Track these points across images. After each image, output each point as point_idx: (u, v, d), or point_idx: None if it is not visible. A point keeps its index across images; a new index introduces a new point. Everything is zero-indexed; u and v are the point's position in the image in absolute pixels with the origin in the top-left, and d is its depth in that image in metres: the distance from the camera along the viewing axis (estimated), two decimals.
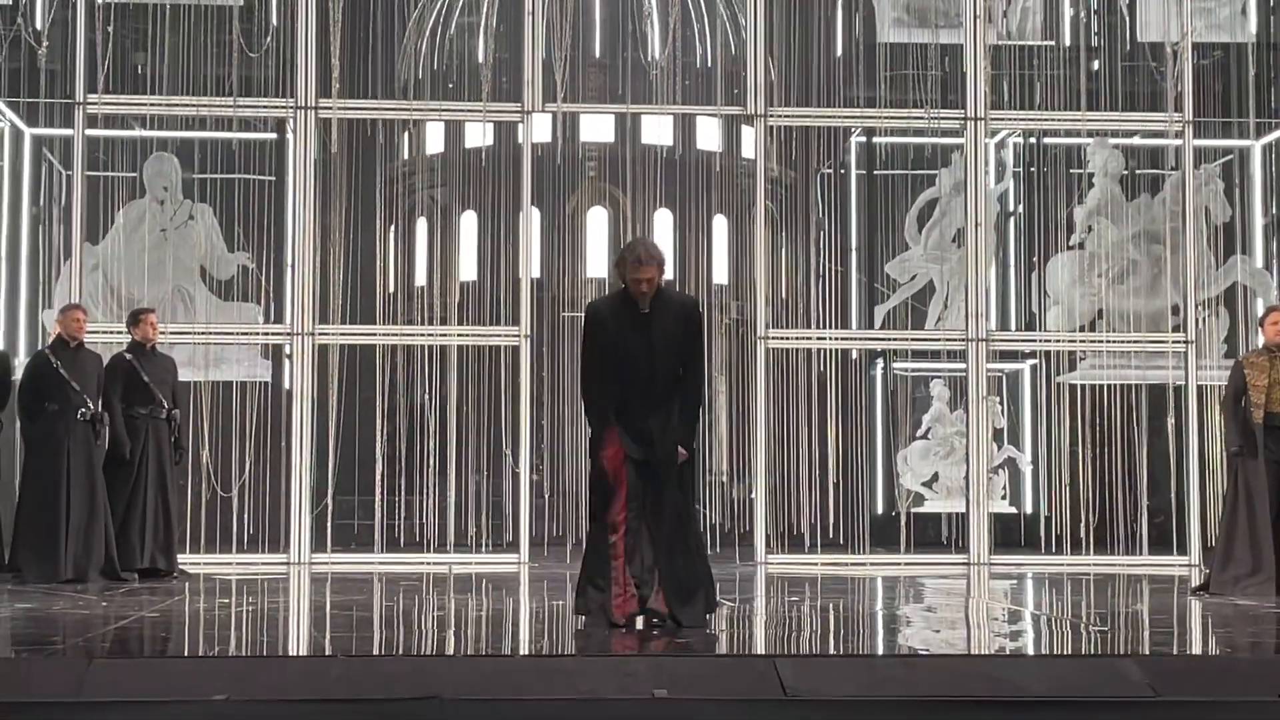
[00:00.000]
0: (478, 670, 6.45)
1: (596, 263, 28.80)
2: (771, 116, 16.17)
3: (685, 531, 8.61)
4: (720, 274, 26.55)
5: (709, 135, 24.87)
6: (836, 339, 17.41)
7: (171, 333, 15.31)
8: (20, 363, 15.37)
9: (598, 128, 28.17)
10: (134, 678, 6.15)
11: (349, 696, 6.07)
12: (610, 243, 28.95)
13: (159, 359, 13.60)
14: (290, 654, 7.56)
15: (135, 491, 13.10)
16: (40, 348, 14.09)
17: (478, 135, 22.20)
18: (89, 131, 15.93)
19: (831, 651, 7.81)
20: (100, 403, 12.91)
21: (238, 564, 14.85)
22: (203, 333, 16.05)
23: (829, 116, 16.99)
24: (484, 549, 16.35)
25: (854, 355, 18.86)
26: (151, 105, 16.17)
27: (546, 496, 17.75)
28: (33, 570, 12.36)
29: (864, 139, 19.20)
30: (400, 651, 7.44)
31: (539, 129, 16.75)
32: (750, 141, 22.66)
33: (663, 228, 27.00)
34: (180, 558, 13.68)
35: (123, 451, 13.01)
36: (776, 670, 6.52)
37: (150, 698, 5.91)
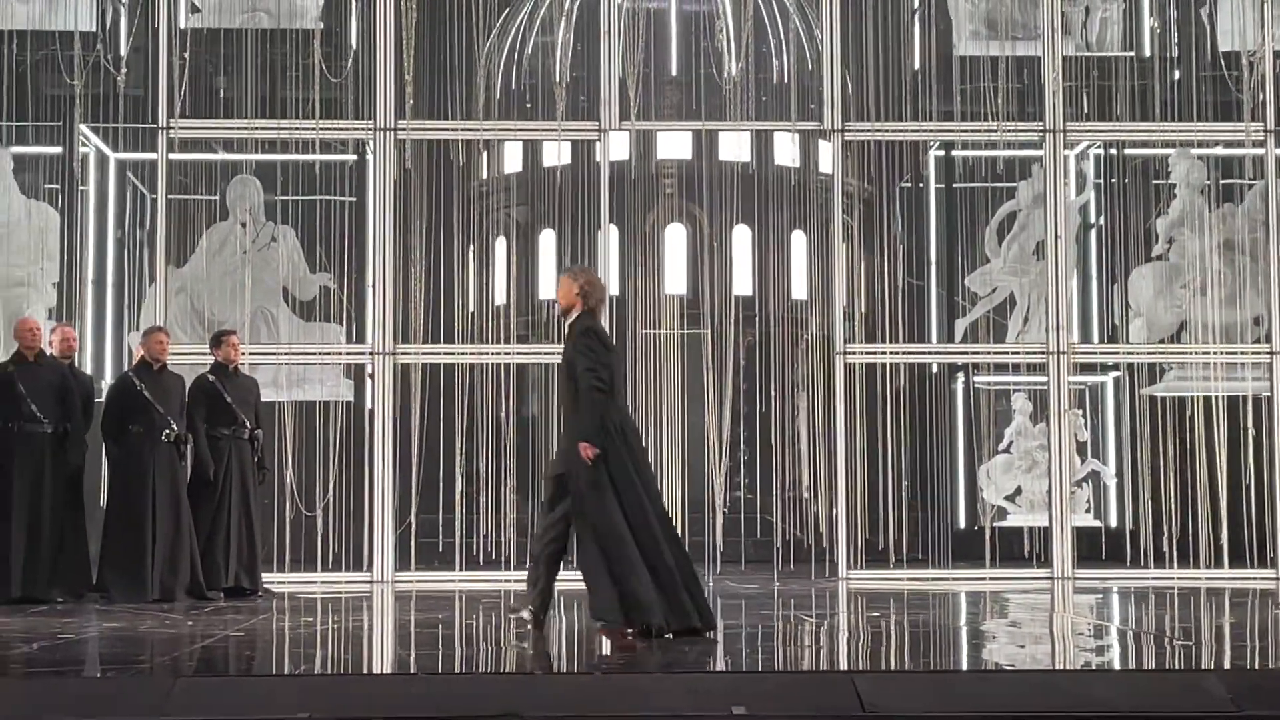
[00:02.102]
0: (557, 688, 6.49)
1: (675, 280, 28.83)
2: (848, 131, 16.17)
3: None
4: (799, 289, 26.52)
5: (786, 150, 24.87)
6: (916, 353, 17.36)
7: (254, 354, 15.47)
8: (106, 385, 15.58)
9: (675, 145, 28.22)
10: (219, 696, 6.23)
11: (431, 714, 6.12)
12: (689, 259, 28.98)
13: (242, 380, 13.76)
14: (374, 672, 7.63)
15: (219, 512, 13.26)
16: (124, 370, 14.28)
17: (555, 154, 22.30)
18: (172, 155, 16.13)
19: (910, 667, 7.80)
20: (184, 424, 13.08)
21: (322, 582, 14.98)
22: (285, 353, 16.21)
23: (906, 131, 16.96)
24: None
25: (934, 369, 18.80)
26: (233, 128, 16.36)
27: None
28: (120, 591, 12.53)
29: (942, 152, 19.16)
30: (481, 669, 7.49)
31: (616, 147, 16.82)
32: (827, 156, 22.63)
33: (741, 244, 27.01)
34: (265, 577, 13.82)
35: (206, 472, 13.17)
36: (855, 686, 6.52)
37: (235, 716, 5.99)
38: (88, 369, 15.89)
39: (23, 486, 12.58)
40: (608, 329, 10.26)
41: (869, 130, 16.48)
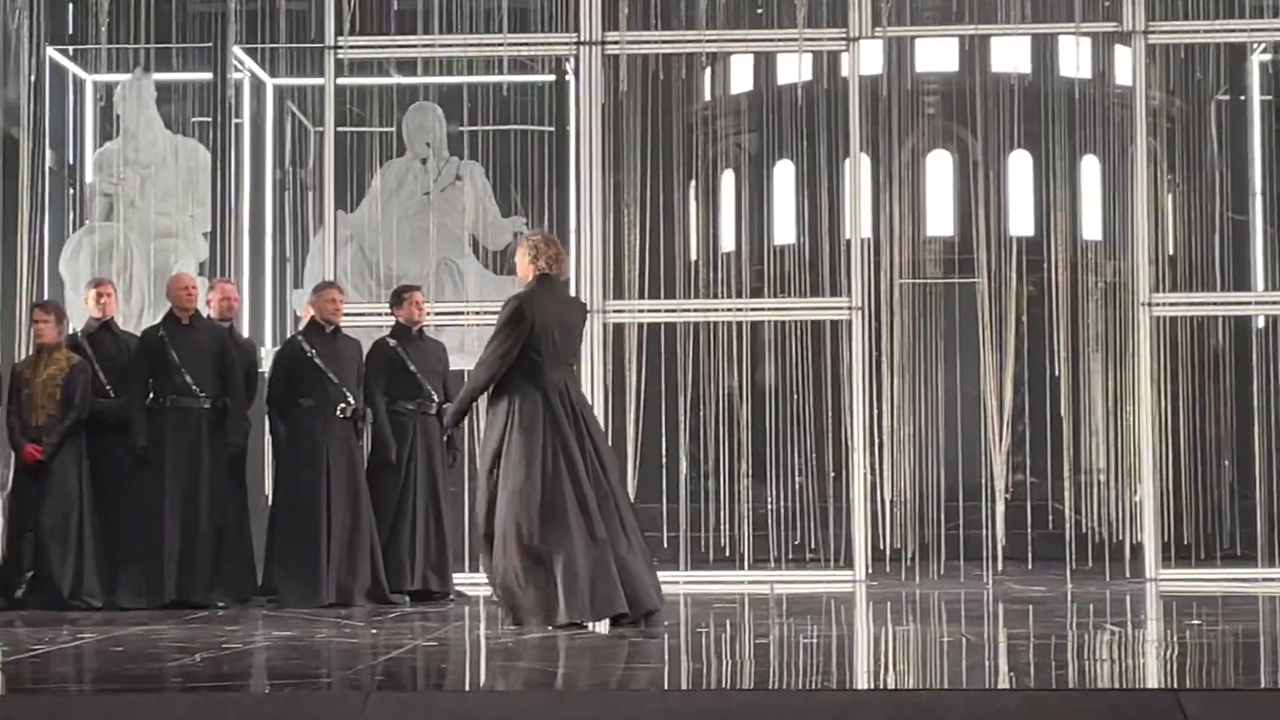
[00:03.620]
0: (812, 705, 6.53)
1: (940, 218, 28.60)
2: (1153, 33, 15.90)
3: None
4: (1091, 228, 26.15)
5: (1073, 59, 24.46)
6: (1237, 304, 17.04)
7: (438, 313, 15.65)
8: (268, 352, 15.92)
9: (938, 55, 27.96)
10: (415, 714, 6.36)
11: None
12: (956, 193, 28.72)
13: (427, 344, 13.95)
14: (581, 688, 7.72)
15: (404, 501, 13.47)
16: (291, 334, 14.55)
17: (793, 69, 22.17)
18: (340, 80, 16.36)
19: (1245, 684, 7.69)
20: (362, 396, 13.29)
21: None
22: (475, 313, 16.39)
23: (1225, 30, 16.60)
24: (812, 564, 16.42)
25: (1259, 323, 18.43)
26: (411, 47, 16.54)
27: (887, 501, 17.73)
28: (291, 594, 12.81)
29: (1268, 56, 18.76)
30: (715, 685, 7.55)
31: (867, 59, 16.71)
32: (1126, 64, 22.14)
33: (1019, 173, 26.70)
34: (456, 577, 14.02)
35: (388, 454, 13.38)
36: (1181, 707, 6.45)
37: None
38: (245, 333, 16.23)
39: (177, 472, 12.90)
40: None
41: (1179, 30, 16.19)
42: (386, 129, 18.83)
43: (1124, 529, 17.01)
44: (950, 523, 17.67)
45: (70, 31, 18.61)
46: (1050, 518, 18.67)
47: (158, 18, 17.47)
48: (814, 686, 7.49)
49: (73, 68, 18.93)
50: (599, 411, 15.49)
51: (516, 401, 10.76)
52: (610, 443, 15.58)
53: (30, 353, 13.30)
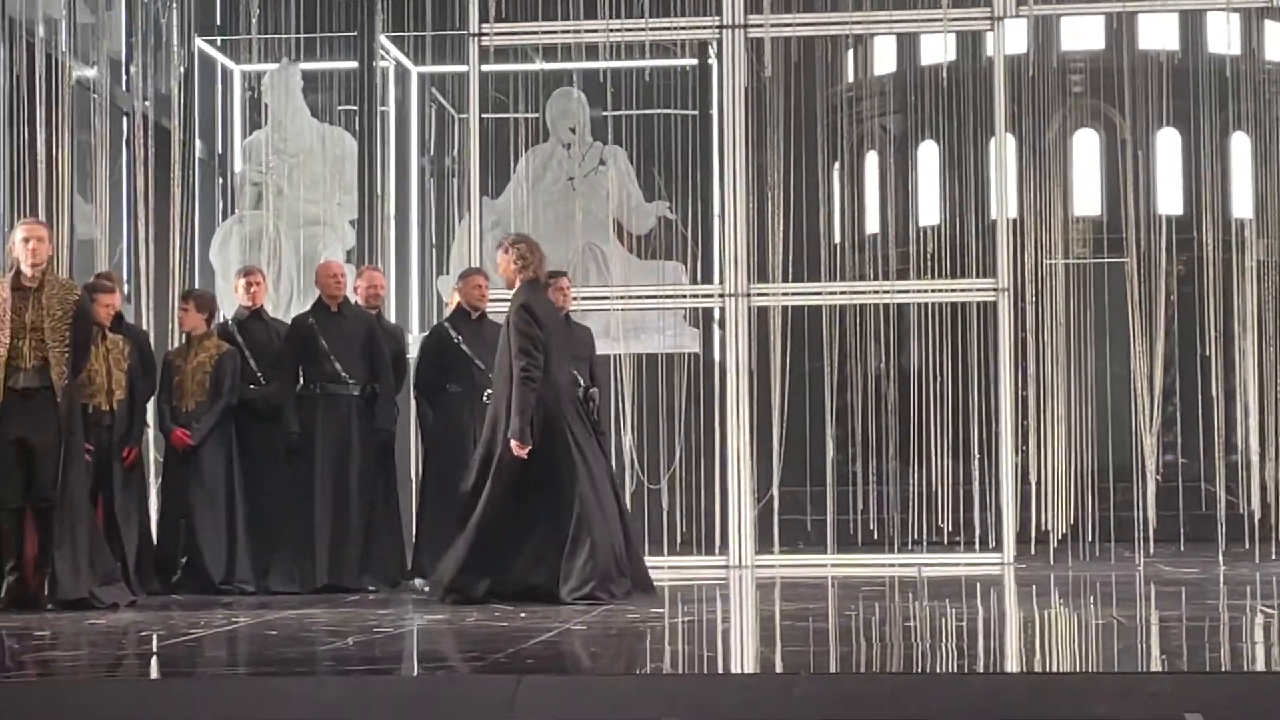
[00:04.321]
0: (961, 688, 6.51)
1: (1087, 197, 28.35)
2: None
3: None
4: (1242, 205, 25.82)
5: (1223, 35, 24.17)
6: None
7: (583, 298, 15.71)
8: (414, 339, 16.05)
9: (1084, 33, 27.73)
10: (568, 697, 6.41)
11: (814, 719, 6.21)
12: (1103, 172, 28.46)
13: (573, 329, 13.99)
14: (734, 671, 7.74)
15: None
16: (438, 321, 14.67)
17: (938, 49, 22.08)
18: (485, 67, 16.43)
19: None
20: None
21: (669, 568, 15.19)
22: (619, 297, 16.43)
23: None
24: (960, 547, 16.36)
25: None
26: (555, 33, 16.59)
27: (1033, 483, 17.63)
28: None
29: None
30: (864, 668, 7.55)
31: (1012, 38, 16.61)
32: (1277, 40, 22.00)
33: (1168, 151, 26.45)
34: None
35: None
36: None
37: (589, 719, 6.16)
38: (392, 319, 16.39)
39: (327, 458, 13.05)
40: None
41: None
42: (530, 115, 18.91)
43: (1277, 509, 16.83)
44: (1101, 504, 17.55)
45: (218, 22, 18.83)
46: (1202, 498, 18.49)
47: (304, 7, 17.65)
48: (963, 670, 7.47)
49: (221, 58, 19.17)
50: (744, 394, 15.51)
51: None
52: (754, 427, 15.63)
53: (182, 341, 13.48)
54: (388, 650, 8.62)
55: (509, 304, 11.78)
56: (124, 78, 17.80)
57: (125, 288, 15.70)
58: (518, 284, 11.74)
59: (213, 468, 12.99)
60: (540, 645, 8.59)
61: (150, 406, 13.25)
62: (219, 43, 19.04)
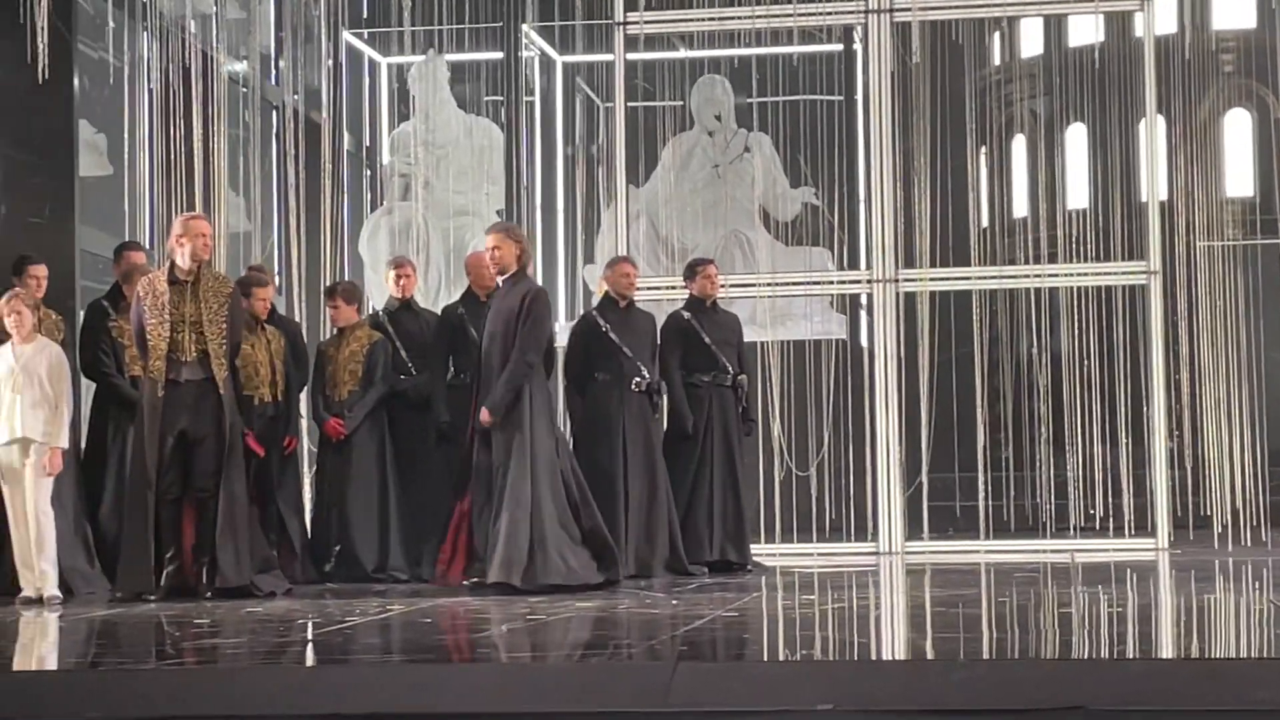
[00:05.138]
0: (1127, 675, 6.47)
1: (1239, 179, 28.02)
2: None
3: None
4: None
5: None
6: None
7: (730, 285, 15.71)
8: (561, 328, 16.12)
9: (1235, 12, 27.40)
10: (723, 683, 6.43)
11: (971, 706, 6.18)
12: (1256, 153, 28.11)
13: (721, 317, 14.00)
14: (885, 658, 7.73)
15: (700, 473, 13.55)
16: (587, 310, 14.73)
17: (1086, 31, 21.87)
18: (630, 55, 16.46)
19: None
20: (657, 370, 13.40)
21: (819, 555, 15.19)
22: (766, 284, 16.43)
23: None
24: (1114, 533, 16.22)
25: None
26: (700, 20, 16.59)
27: (1188, 467, 17.46)
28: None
29: None
30: (1019, 655, 7.51)
31: (1162, 18, 16.45)
32: None
33: None
34: (753, 548, 14.09)
35: (685, 426, 13.47)
36: None
37: (749, 707, 6.17)
38: None
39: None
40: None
41: None
42: (675, 103, 18.94)
43: None
44: (1261, 489, 17.35)
45: (365, 16, 19.00)
46: None
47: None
48: (1120, 655, 7.43)
49: (368, 51, 19.34)
50: (892, 380, 15.47)
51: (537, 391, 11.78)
52: (902, 413, 15.59)
53: (333, 332, 13.62)
54: (540, 637, 8.68)
55: (504, 292, 11.86)
56: (274, 72, 18.00)
57: (276, 280, 15.88)
58: (512, 271, 11.80)
59: (365, 457, 13.10)
60: (693, 631, 8.61)
61: (304, 397, 13.39)
62: (366, 35, 19.19)
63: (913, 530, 15.71)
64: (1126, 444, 16.68)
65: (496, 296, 11.97)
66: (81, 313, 13.12)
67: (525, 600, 10.68)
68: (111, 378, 12.40)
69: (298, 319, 15.57)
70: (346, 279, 16.53)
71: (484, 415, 11.56)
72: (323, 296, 14.26)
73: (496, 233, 11.99)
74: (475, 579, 11.55)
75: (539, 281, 17.09)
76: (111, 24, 15.21)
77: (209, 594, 11.02)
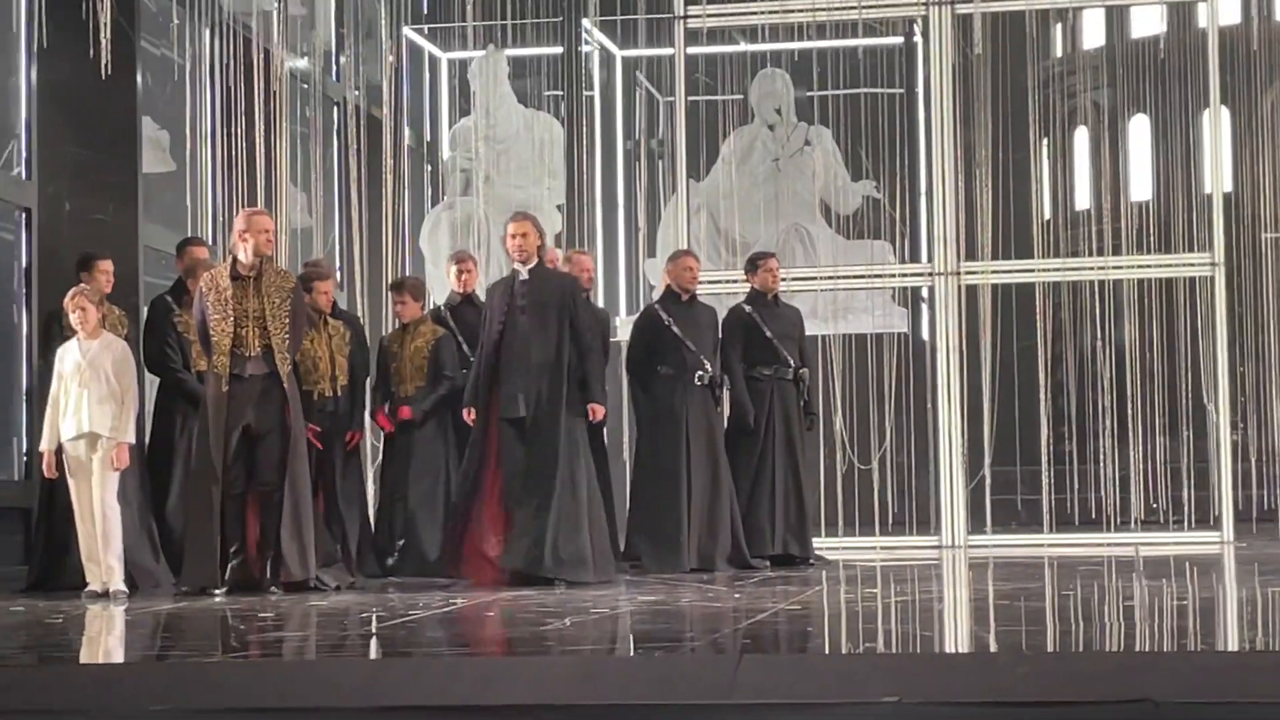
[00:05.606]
0: (1193, 667, 6.44)
1: None
2: None
3: None
4: None
5: None
6: None
7: (791, 279, 15.69)
8: (622, 321, 16.14)
9: None
10: (788, 675, 6.42)
11: (1036, 699, 6.17)
12: None
13: (783, 310, 13.99)
14: (949, 651, 7.72)
15: (762, 466, 13.55)
16: (648, 303, 14.74)
17: (1148, 21, 21.79)
18: (690, 49, 16.46)
19: None
20: (718, 364, 13.40)
21: (881, 548, 15.18)
22: (827, 278, 16.42)
23: None
24: (1177, 526, 16.15)
25: None
26: (759, 14, 16.57)
27: (1253, 460, 17.39)
28: (652, 559, 12.97)
29: None
30: (1084, 648, 7.49)
31: (1225, 8, 16.37)
32: None
33: None
34: (815, 541, 14.08)
35: (747, 420, 13.47)
36: None
37: (813, 700, 6.17)
38: (599, 303, 16.49)
39: None
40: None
41: None
42: (734, 97, 18.93)
43: None
44: None
45: (425, 11, 19.04)
46: None
47: None
48: (1185, 648, 7.40)
49: (429, 46, 19.39)
50: (954, 374, 15.44)
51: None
52: (964, 406, 15.56)
53: (396, 327, 13.66)
54: (604, 630, 8.69)
55: (546, 281, 11.91)
56: (335, 68, 18.06)
57: (337, 274, 15.94)
58: (534, 261, 11.85)
59: (430, 451, 13.12)
60: (756, 625, 8.62)
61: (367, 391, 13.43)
62: (427, 31, 19.24)
63: (975, 524, 15.68)
64: (1189, 437, 16.61)
65: (521, 286, 11.88)
66: (145, 308, 13.19)
67: (588, 594, 10.70)
68: (178, 373, 12.48)
69: (359, 313, 15.62)
70: (409, 274, 16.56)
71: (599, 412, 11.81)
72: (385, 291, 14.30)
73: (522, 220, 11.98)
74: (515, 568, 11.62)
75: (600, 276, 17.15)
76: (176, 21, 15.29)
77: (273, 588, 11.06)
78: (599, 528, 11.83)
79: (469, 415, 11.94)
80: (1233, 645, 7.68)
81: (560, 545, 11.48)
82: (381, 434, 13.51)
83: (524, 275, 11.85)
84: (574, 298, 11.86)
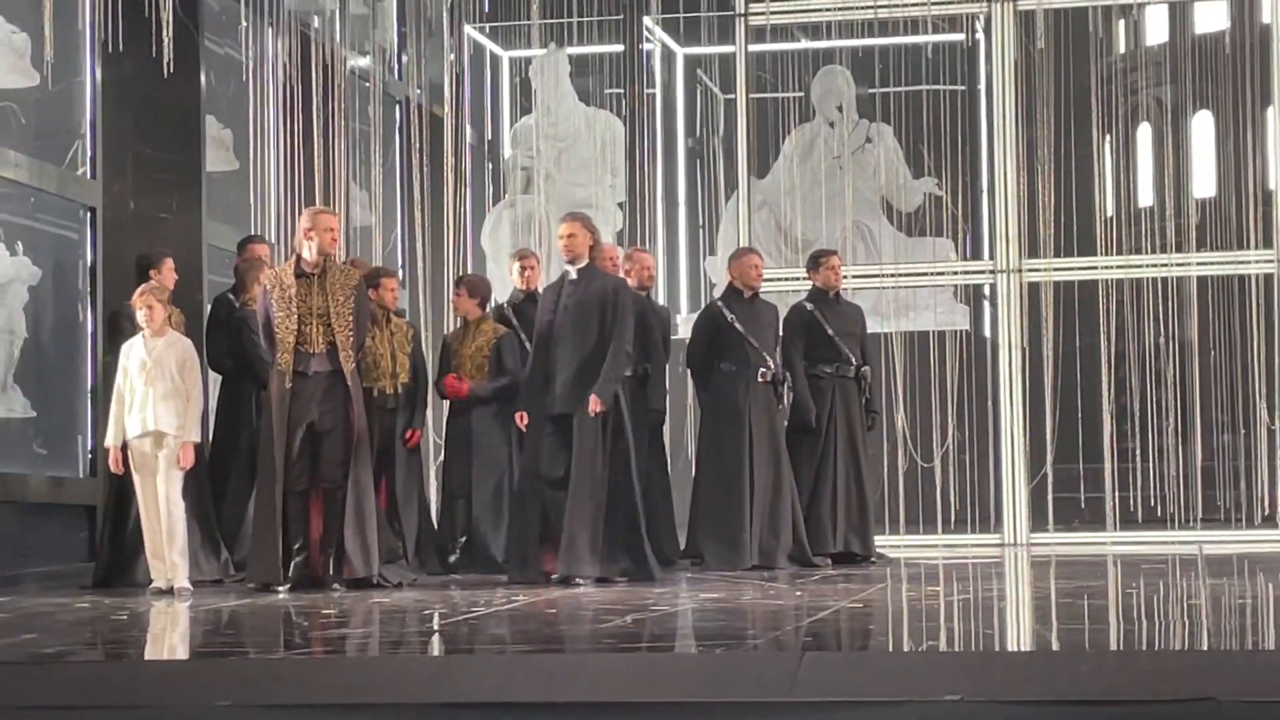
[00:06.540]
0: (1259, 666, 6.40)
1: None
2: None
3: None
4: None
5: None
6: None
7: (853, 276, 15.68)
8: (684, 319, 16.14)
9: None
10: (850, 673, 6.42)
11: (1099, 697, 6.14)
12: None
13: (845, 308, 13.96)
14: (1011, 649, 7.70)
15: (824, 464, 13.53)
16: (710, 300, 14.73)
17: (1212, 17, 21.69)
18: (752, 47, 16.46)
19: None
20: (780, 361, 13.38)
21: (943, 546, 15.14)
22: (889, 275, 16.39)
23: None
24: (1241, 524, 16.08)
25: None
26: (821, 11, 16.55)
27: None
28: (714, 556, 12.96)
29: None
30: (1147, 646, 7.46)
31: None
32: None
33: None
34: (877, 539, 14.05)
35: (808, 418, 13.45)
36: None
37: (874, 697, 6.16)
38: (661, 300, 16.49)
39: None
40: None
41: None
42: (795, 94, 18.88)
43: None
44: None
45: (486, 9, 19.07)
46: None
47: None
48: (1251, 646, 7.35)
49: (490, 45, 19.41)
50: (1016, 371, 15.39)
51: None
52: (1027, 404, 15.50)
53: (457, 325, 13.68)
54: (665, 628, 8.70)
55: (591, 282, 11.86)
56: (397, 67, 18.11)
57: (399, 273, 15.98)
58: (584, 262, 11.86)
59: (492, 449, 13.13)
60: (818, 622, 8.61)
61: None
62: (488, 29, 19.27)
63: (1037, 522, 15.63)
64: (1253, 435, 16.51)
65: (569, 287, 11.89)
66: (208, 306, 13.24)
67: (650, 591, 10.71)
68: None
69: (421, 311, 15.66)
70: (470, 272, 16.60)
71: (597, 404, 11.60)
72: (448, 289, 14.33)
73: (571, 220, 12.02)
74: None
75: (661, 274, 17.16)
76: (244, 23, 15.36)
77: (336, 585, 11.10)
78: (613, 524, 11.74)
79: (521, 420, 11.94)
80: None
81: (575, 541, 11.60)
82: (445, 435, 13.50)
83: (572, 275, 11.90)
84: (616, 298, 11.83)
